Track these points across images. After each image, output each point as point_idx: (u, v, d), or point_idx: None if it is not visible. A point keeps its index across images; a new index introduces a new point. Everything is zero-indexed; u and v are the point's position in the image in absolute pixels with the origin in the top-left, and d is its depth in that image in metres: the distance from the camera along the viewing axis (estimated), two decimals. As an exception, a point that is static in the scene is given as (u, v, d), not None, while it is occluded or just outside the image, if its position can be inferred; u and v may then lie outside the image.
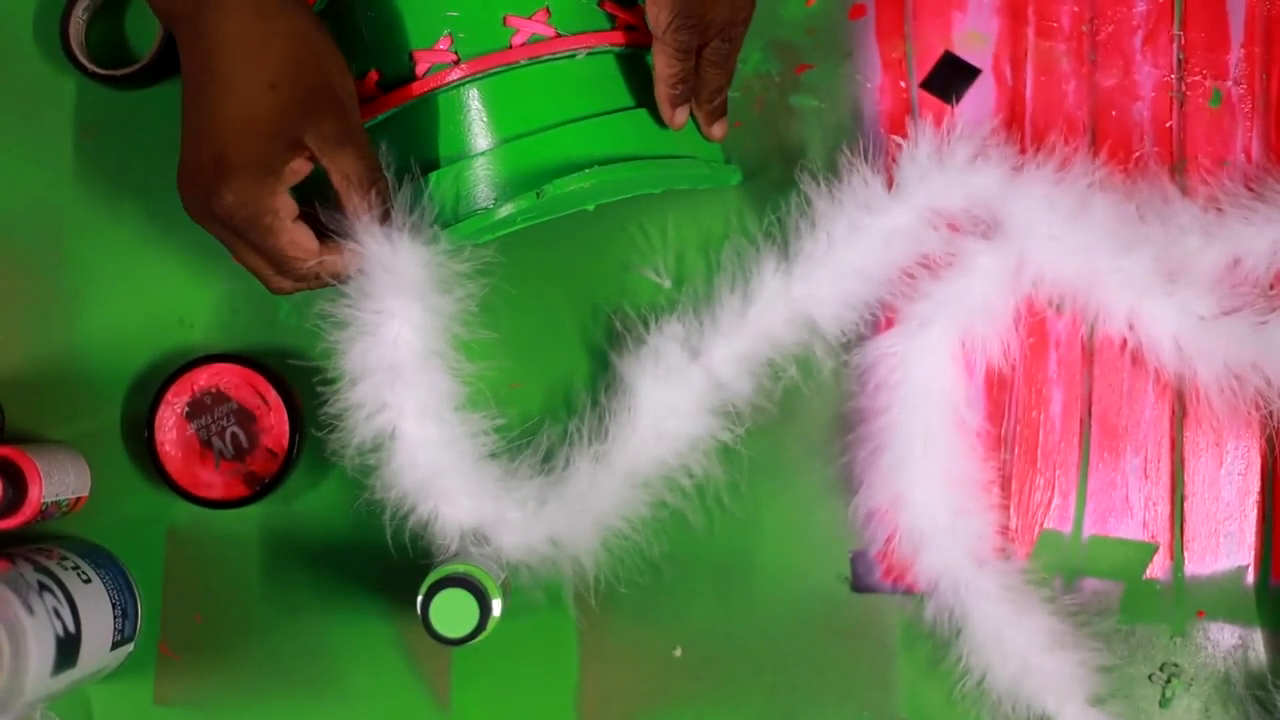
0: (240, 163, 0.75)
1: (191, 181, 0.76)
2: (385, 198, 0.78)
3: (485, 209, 0.80)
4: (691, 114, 0.84)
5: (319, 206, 0.78)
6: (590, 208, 0.84)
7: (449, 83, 0.80)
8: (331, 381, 0.83)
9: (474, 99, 0.81)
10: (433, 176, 0.80)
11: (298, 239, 0.77)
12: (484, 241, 0.81)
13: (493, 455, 0.87)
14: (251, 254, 0.78)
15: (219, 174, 0.75)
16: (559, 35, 0.81)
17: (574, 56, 0.81)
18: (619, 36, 0.82)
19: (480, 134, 0.81)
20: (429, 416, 0.83)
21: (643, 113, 0.83)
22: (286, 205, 0.76)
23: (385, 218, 0.78)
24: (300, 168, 0.76)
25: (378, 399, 0.82)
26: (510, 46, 0.80)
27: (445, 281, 0.81)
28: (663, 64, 0.80)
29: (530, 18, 0.80)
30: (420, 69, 0.81)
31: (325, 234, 0.78)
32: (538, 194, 0.79)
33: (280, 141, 0.75)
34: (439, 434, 0.84)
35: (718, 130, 0.86)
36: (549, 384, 0.90)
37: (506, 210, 0.79)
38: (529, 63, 0.80)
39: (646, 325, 0.89)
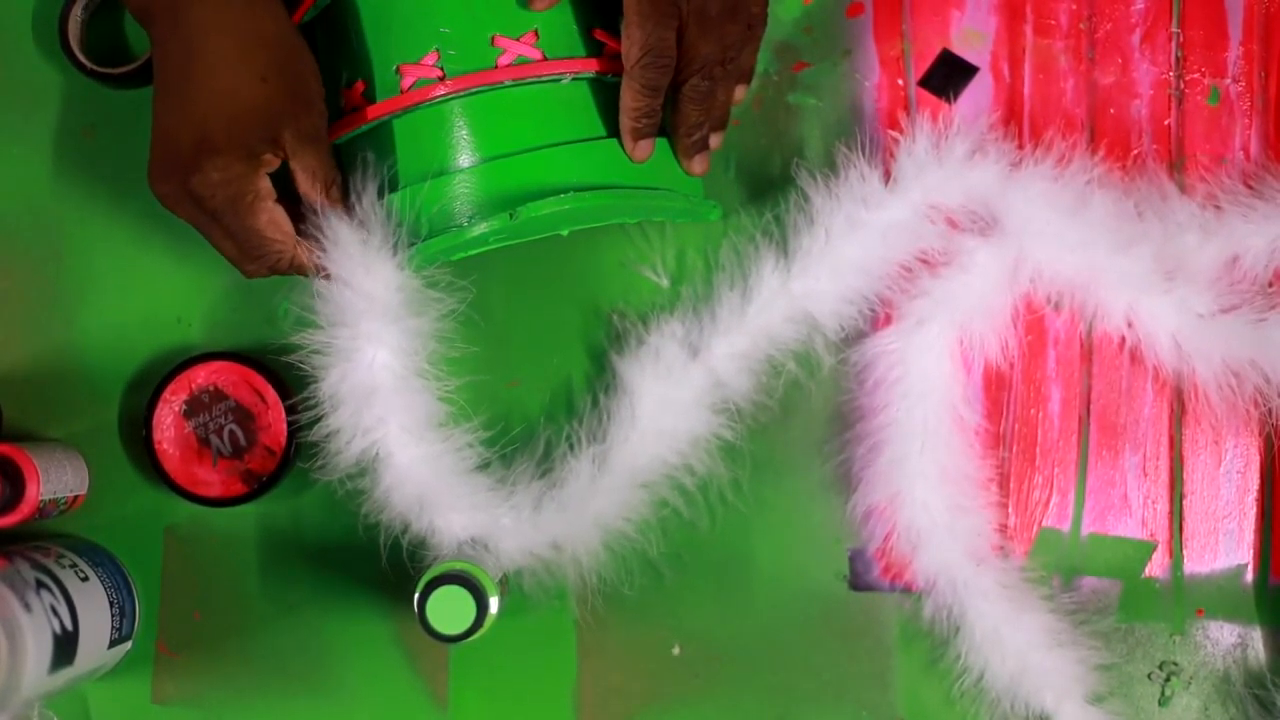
0: (226, 144, 0.76)
1: (168, 163, 0.77)
2: (338, 191, 0.80)
3: (459, 227, 0.80)
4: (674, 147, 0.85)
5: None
6: (564, 233, 0.84)
7: (433, 98, 0.80)
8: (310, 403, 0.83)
9: (456, 116, 0.81)
10: (410, 191, 0.81)
11: (276, 219, 0.78)
12: (456, 259, 0.81)
13: (487, 463, 0.87)
14: (224, 240, 0.79)
15: (203, 153, 0.76)
16: (545, 59, 0.81)
17: (559, 81, 0.81)
18: (605, 64, 0.82)
19: (460, 151, 0.81)
20: (411, 436, 0.84)
21: None
22: (266, 186, 0.78)
23: (346, 213, 0.80)
24: (270, 161, 0.78)
25: (358, 423, 0.83)
26: (496, 66, 0.80)
27: (421, 302, 0.82)
28: (628, 97, 0.80)
29: (518, 39, 0.80)
30: (406, 83, 0.81)
31: (300, 229, 0.80)
32: (511, 215, 0.79)
33: (265, 131, 0.77)
34: (423, 453, 0.84)
35: (698, 166, 0.85)
36: (548, 384, 0.90)
37: (480, 229, 0.79)
38: (513, 84, 0.80)
39: (646, 324, 0.89)
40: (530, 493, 0.87)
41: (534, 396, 0.90)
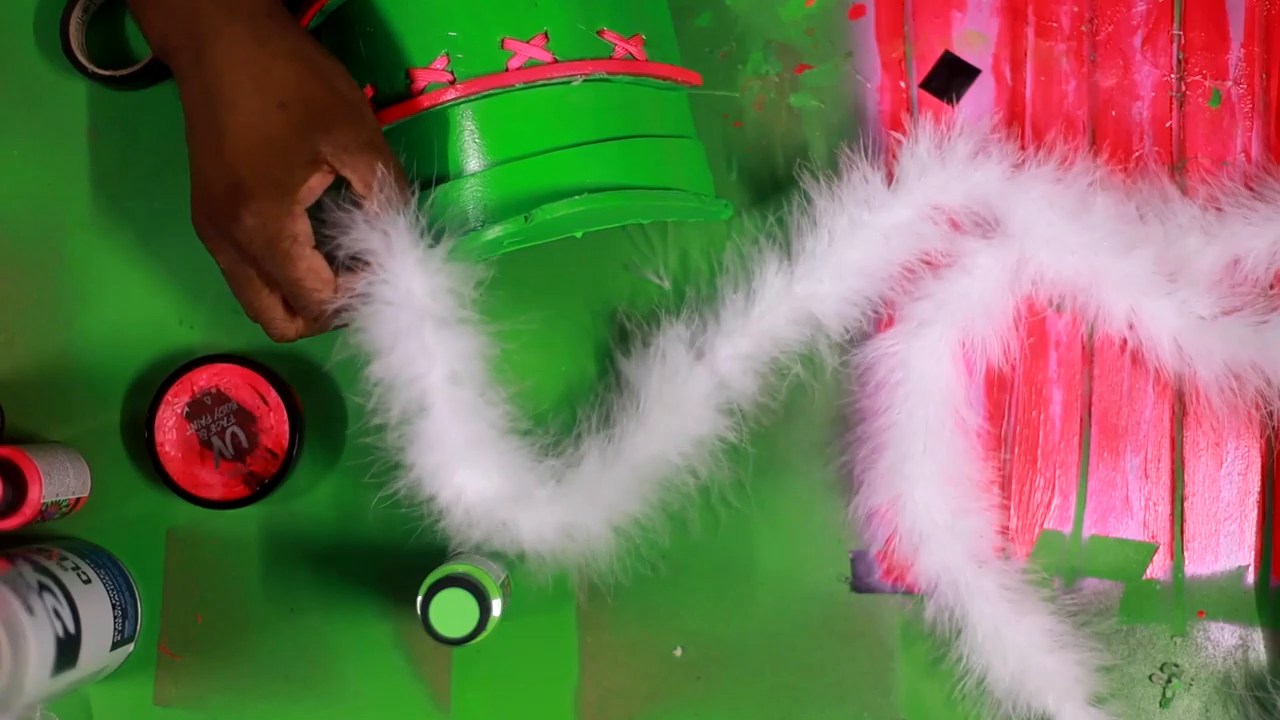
0: (257, 184, 0.76)
1: (209, 211, 0.77)
2: (408, 199, 0.78)
3: (473, 230, 0.80)
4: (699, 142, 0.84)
5: (328, 207, 0.78)
6: (578, 235, 0.84)
7: (443, 102, 0.80)
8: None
9: (468, 120, 0.81)
10: (422, 196, 0.80)
11: (315, 267, 0.77)
12: (494, 255, 0.81)
13: (515, 433, 0.86)
14: (263, 291, 0.79)
15: (237, 197, 0.76)
16: (556, 60, 0.81)
17: (569, 82, 0.81)
18: (616, 65, 0.82)
19: (472, 155, 0.81)
20: (459, 381, 0.81)
21: (636, 142, 0.82)
22: (305, 230, 0.77)
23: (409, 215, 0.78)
24: (318, 184, 0.77)
25: (408, 368, 0.80)
26: (506, 69, 0.80)
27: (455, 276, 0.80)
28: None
29: (528, 41, 0.80)
30: (416, 87, 0.81)
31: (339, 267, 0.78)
32: (525, 218, 0.79)
33: (296, 159, 0.76)
34: (470, 400, 0.82)
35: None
36: (555, 386, 0.90)
37: (494, 233, 0.79)
38: (524, 86, 0.80)
39: (651, 326, 0.89)
40: (551, 468, 0.86)
41: (542, 399, 0.90)
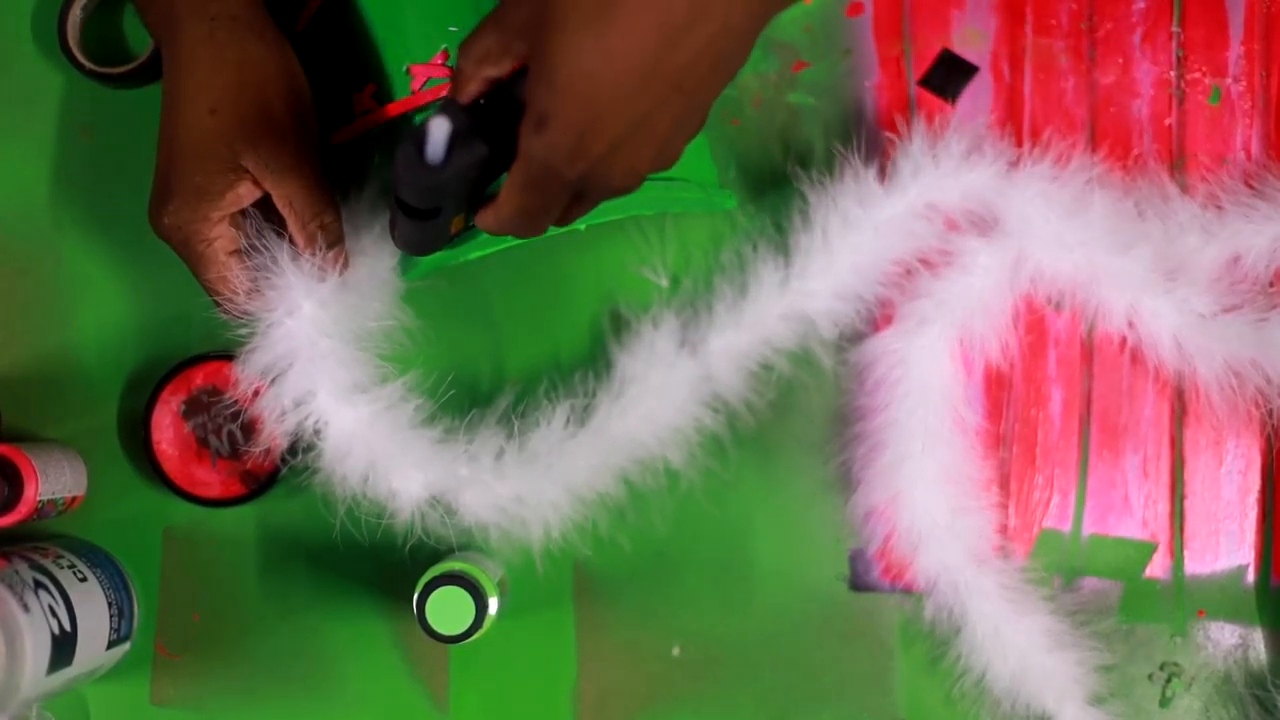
0: (179, 186, 0.77)
1: (151, 201, 0.79)
2: (331, 229, 0.79)
3: (475, 227, 0.79)
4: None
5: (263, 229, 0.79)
6: (582, 228, 0.84)
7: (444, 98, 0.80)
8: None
9: None
10: None
11: (227, 275, 0.79)
12: (473, 259, 0.81)
13: (434, 416, 0.87)
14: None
15: (163, 195, 0.78)
16: None
17: None
18: None
19: None
20: (344, 399, 0.82)
21: None
22: (223, 235, 0.78)
23: (331, 245, 0.79)
24: (246, 193, 0.78)
25: (293, 393, 0.82)
26: None
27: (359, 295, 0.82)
28: (489, 221, 0.72)
29: None
30: (417, 83, 0.81)
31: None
32: None
33: (218, 165, 0.77)
34: (359, 414, 0.83)
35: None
36: (544, 375, 0.90)
37: None
38: None
39: (643, 318, 0.89)
40: (487, 442, 0.86)
41: (530, 388, 0.90)
